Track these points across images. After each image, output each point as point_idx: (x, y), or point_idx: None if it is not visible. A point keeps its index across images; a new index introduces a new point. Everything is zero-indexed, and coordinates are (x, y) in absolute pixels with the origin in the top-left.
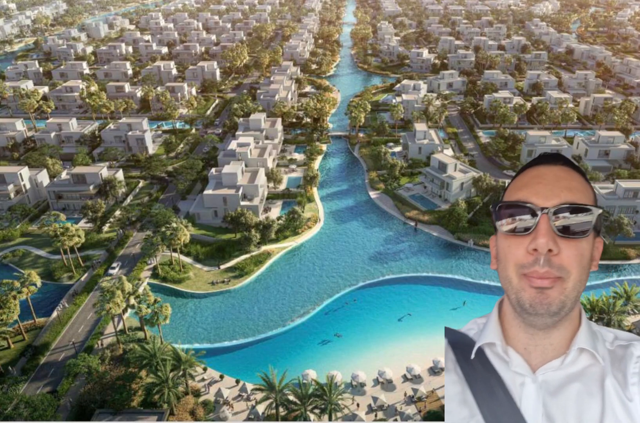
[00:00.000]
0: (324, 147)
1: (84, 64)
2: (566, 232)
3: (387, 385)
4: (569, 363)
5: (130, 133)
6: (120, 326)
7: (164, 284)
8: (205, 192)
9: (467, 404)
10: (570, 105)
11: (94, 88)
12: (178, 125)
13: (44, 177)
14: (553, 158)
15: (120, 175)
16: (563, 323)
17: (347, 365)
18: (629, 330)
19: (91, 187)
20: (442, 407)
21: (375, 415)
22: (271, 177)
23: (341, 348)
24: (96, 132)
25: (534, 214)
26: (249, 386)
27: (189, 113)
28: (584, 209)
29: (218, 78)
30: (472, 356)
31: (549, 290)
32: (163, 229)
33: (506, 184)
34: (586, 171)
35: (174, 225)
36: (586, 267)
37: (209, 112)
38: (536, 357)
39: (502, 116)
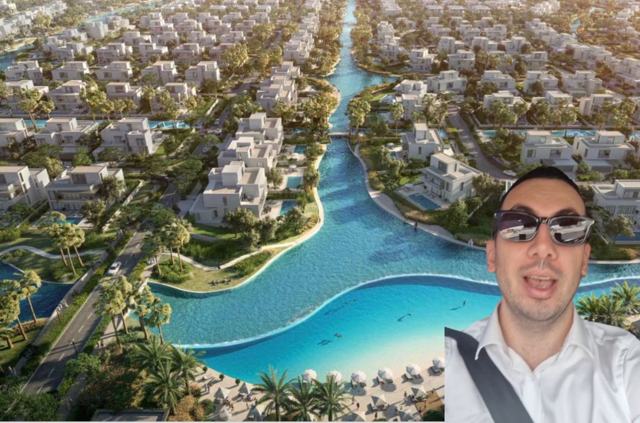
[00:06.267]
0: (324, 147)
1: (84, 64)
2: (563, 239)
3: (387, 385)
4: (562, 359)
5: (130, 133)
6: (120, 326)
7: (164, 284)
8: (205, 192)
9: (475, 403)
10: (570, 105)
11: (94, 88)
12: (178, 125)
13: (44, 177)
14: (549, 172)
15: (120, 175)
16: (557, 324)
17: (347, 365)
18: (629, 330)
19: (91, 187)
20: (442, 407)
21: (375, 415)
22: (271, 177)
23: (341, 348)
24: (96, 132)
25: (534, 223)
26: (249, 386)
27: (189, 113)
28: (579, 219)
29: (218, 78)
30: (476, 357)
31: (547, 300)
32: (163, 229)
33: (505, 186)
34: (586, 171)
35: (174, 225)
36: (579, 271)
37: (209, 112)
38: (533, 356)
39: (502, 116)
